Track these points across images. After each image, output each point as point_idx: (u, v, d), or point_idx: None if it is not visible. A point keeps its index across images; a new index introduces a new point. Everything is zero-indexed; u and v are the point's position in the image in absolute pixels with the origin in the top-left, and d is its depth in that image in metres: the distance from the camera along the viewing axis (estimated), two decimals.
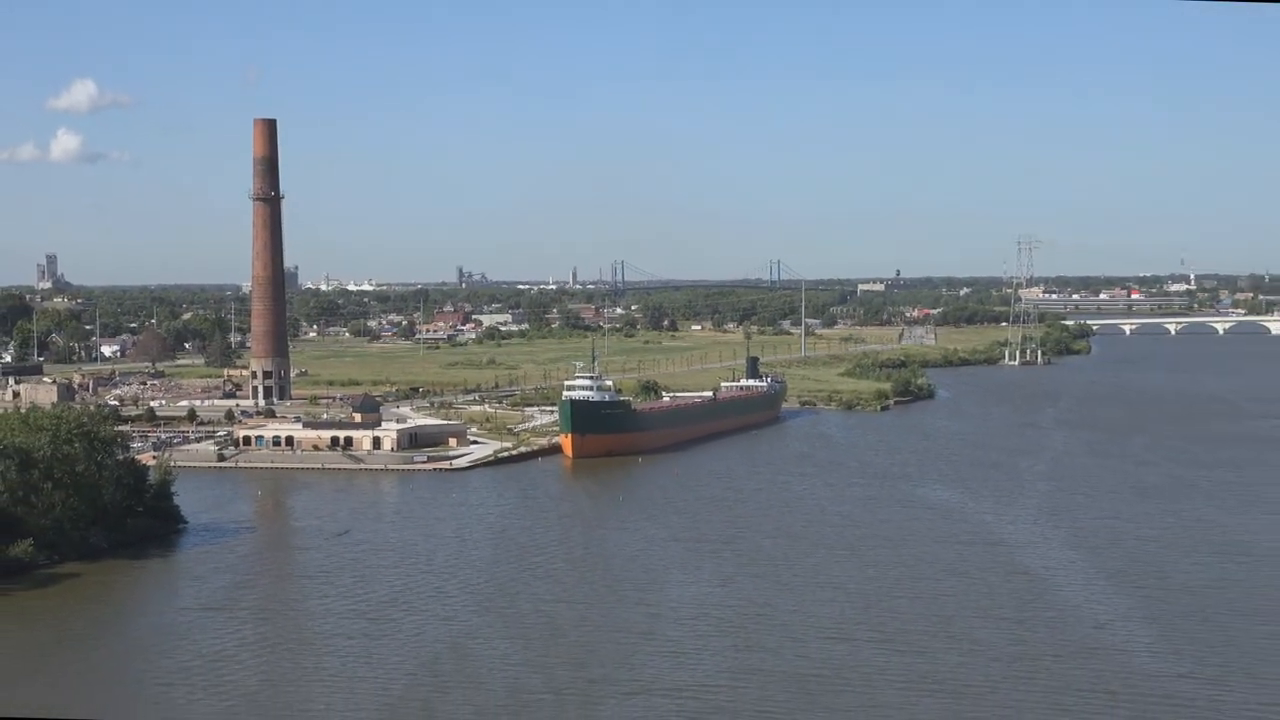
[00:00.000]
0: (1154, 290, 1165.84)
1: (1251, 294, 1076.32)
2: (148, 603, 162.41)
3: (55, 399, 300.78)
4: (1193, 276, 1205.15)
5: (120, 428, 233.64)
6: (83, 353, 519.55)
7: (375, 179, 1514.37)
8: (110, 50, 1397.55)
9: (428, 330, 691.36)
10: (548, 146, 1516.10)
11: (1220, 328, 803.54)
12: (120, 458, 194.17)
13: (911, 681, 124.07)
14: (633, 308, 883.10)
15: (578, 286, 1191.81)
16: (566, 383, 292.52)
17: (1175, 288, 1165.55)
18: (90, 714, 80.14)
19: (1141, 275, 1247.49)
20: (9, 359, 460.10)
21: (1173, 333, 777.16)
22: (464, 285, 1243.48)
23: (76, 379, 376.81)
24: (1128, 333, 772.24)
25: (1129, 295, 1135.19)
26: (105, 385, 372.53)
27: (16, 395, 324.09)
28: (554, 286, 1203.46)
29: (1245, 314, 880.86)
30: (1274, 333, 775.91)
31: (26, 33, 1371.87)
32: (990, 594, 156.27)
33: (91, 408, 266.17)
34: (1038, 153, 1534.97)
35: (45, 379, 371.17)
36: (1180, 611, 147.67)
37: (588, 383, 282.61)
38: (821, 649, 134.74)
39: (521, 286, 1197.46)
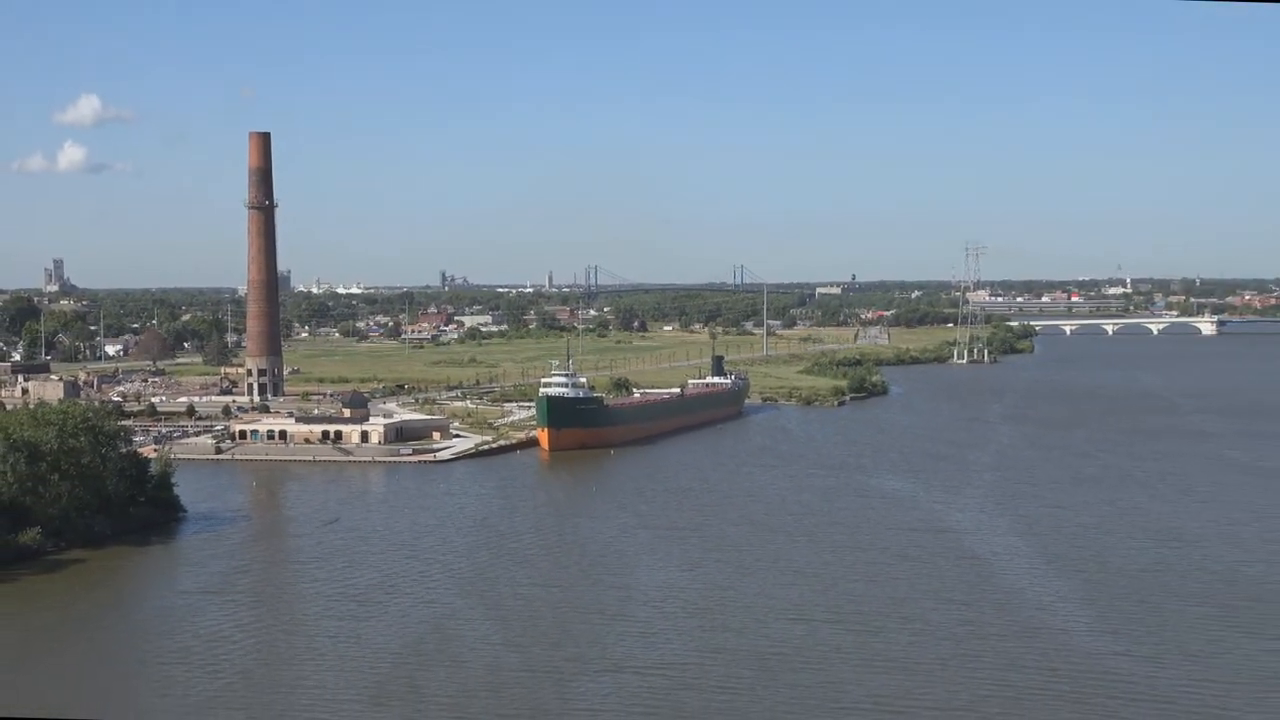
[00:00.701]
0: (1092, 293, 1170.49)
1: (1183, 297, 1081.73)
2: (149, 587, 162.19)
3: (62, 395, 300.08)
4: (1129, 280, 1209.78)
5: (123, 422, 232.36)
6: (88, 352, 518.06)
7: (363, 188, 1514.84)
8: (114, 67, 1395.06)
9: (413, 331, 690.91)
10: (525, 159, 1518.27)
11: (1154, 328, 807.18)
12: (123, 450, 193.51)
13: (866, 659, 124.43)
14: (605, 309, 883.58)
15: (553, 290, 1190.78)
16: (543, 380, 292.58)
17: (1112, 291, 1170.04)
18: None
19: (1081, 279, 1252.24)
20: (18, 358, 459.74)
21: (1110, 333, 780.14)
22: (447, 288, 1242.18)
23: (82, 376, 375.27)
24: (1068, 333, 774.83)
25: (1069, 298, 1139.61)
26: (109, 382, 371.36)
27: (25, 392, 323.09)
28: (531, 289, 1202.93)
29: (1177, 315, 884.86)
30: (1204, 333, 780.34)
31: (34, 50, 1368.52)
32: (940, 577, 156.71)
33: (96, 403, 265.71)
34: (984, 165, 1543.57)
35: (52, 376, 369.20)
36: (1118, 593, 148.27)
37: (563, 380, 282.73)
38: (782, 629, 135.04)
39: (501, 289, 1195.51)
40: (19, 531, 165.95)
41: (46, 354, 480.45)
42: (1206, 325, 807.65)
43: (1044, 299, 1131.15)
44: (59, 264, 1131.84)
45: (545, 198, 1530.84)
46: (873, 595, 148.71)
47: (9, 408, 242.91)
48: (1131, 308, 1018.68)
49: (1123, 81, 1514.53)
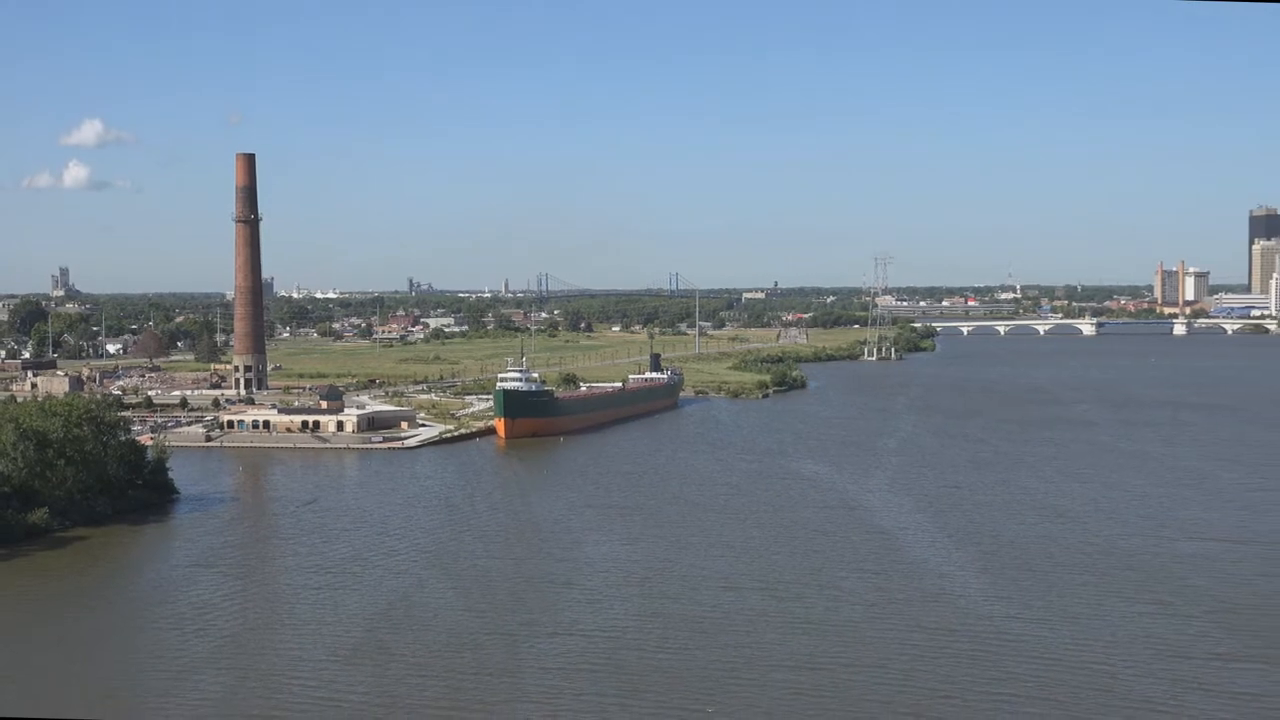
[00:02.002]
0: (987, 298, 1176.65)
1: (1066, 301, 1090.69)
2: (146, 561, 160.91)
3: (67, 389, 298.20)
4: (1018, 287, 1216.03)
5: (122, 414, 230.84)
6: (90, 350, 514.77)
7: (339, 203, 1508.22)
8: (115, 94, 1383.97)
9: (383, 331, 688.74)
10: (483, 176, 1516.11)
11: (1041, 329, 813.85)
12: (122, 439, 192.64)
13: (788, 623, 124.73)
14: (555, 312, 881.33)
15: (509, 294, 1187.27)
16: (500, 375, 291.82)
17: (1004, 296, 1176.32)
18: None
19: (976, 286, 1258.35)
20: (28, 355, 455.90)
21: (1002, 333, 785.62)
22: (413, 293, 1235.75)
23: (85, 372, 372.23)
24: (965, 333, 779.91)
25: (966, 302, 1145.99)
26: (109, 378, 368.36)
27: (34, 386, 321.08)
28: (489, 294, 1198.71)
29: (1061, 318, 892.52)
30: (1085, 333, 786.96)
31: (42, 77, 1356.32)
32: (853, 550, 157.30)
33: (98, 397, 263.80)
34: (892, 184, 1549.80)
35: (58, 372, 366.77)
36: (1009, 563, 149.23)
37: (517, 375, 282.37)
38: (713, 596, 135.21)
39: (462, 294, 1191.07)
40: (29, 511, 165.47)
41: (53, 352, 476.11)
42: (1087, 326, 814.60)
43: (944, 303, 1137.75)
44: (64, 271, 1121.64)
45: (502, 212, 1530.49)
46: (793, 566, 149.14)
47: (19, 400, 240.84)
48: (1021, 311, 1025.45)
49: (1014, 108, 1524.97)
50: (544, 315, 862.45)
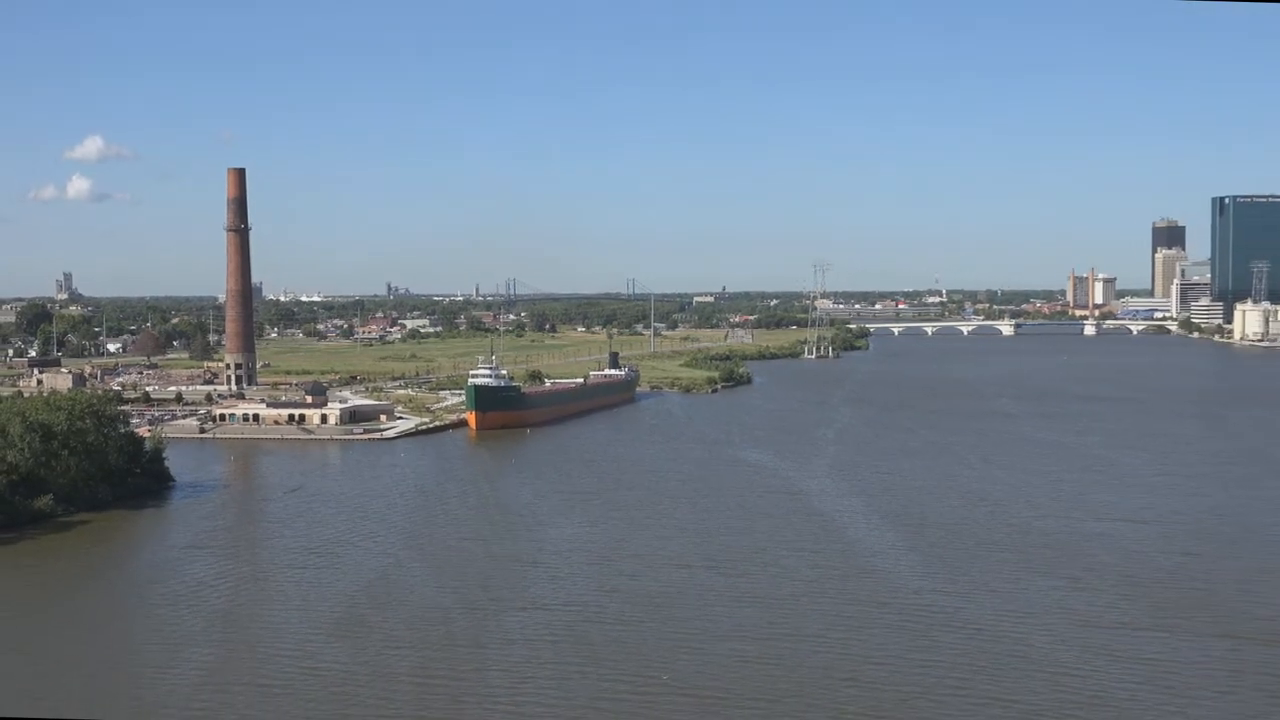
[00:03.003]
0: (915, 301, 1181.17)
1: (988, 304, 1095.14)
2: (144, 543, 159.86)
3: (70, 385, 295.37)
4: (944, 291, 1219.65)
5: (122, 408, 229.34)
6: (92, 349, 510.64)
7: (323, 213, 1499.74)
8: (115, 113, 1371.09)
9: (363, 332, 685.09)
10: (456, 190, 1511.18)
11: (965, 329, 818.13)
12: (122, 431, 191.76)
13: (735, 597, 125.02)
14: (522, 314, 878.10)
15: (480, 298, 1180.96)
16: (471, 372, 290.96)
17: (931, 299, 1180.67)
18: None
19: (906, 290, 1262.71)
20: (34, 354, 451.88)
21: (929, 333, 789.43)
22: (392, 297, 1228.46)
23: (87, 370, 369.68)
24: (896, 333, 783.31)
25: (897, 305, 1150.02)
26: (110, 375, 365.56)
27: (40, 382, 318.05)
28: (461, 298, 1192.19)
29: (983, 319, 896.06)
30: (1004, 333, 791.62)
31: (47, 96, 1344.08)
32: (793, 530, 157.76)
33: (99, 392, 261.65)
34: (829, 197, 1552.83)
35: (62, 370, 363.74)
36: (936, 542, 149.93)
37: (487, 372, 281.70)
38: (667, 573, 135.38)
39: (436, 298, 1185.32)
40: (35, 498, 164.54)
41: (57, 351, 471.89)
42: (1006, 327, 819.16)
43: (877, 306, 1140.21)
44: (68, 276, 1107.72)
45: (473, 223, 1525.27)
46: (739, 545, 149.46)
47: (26, 396, 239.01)
48: (946, 313, 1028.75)
49: (943, 131, 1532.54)
50: (512, 317, 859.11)
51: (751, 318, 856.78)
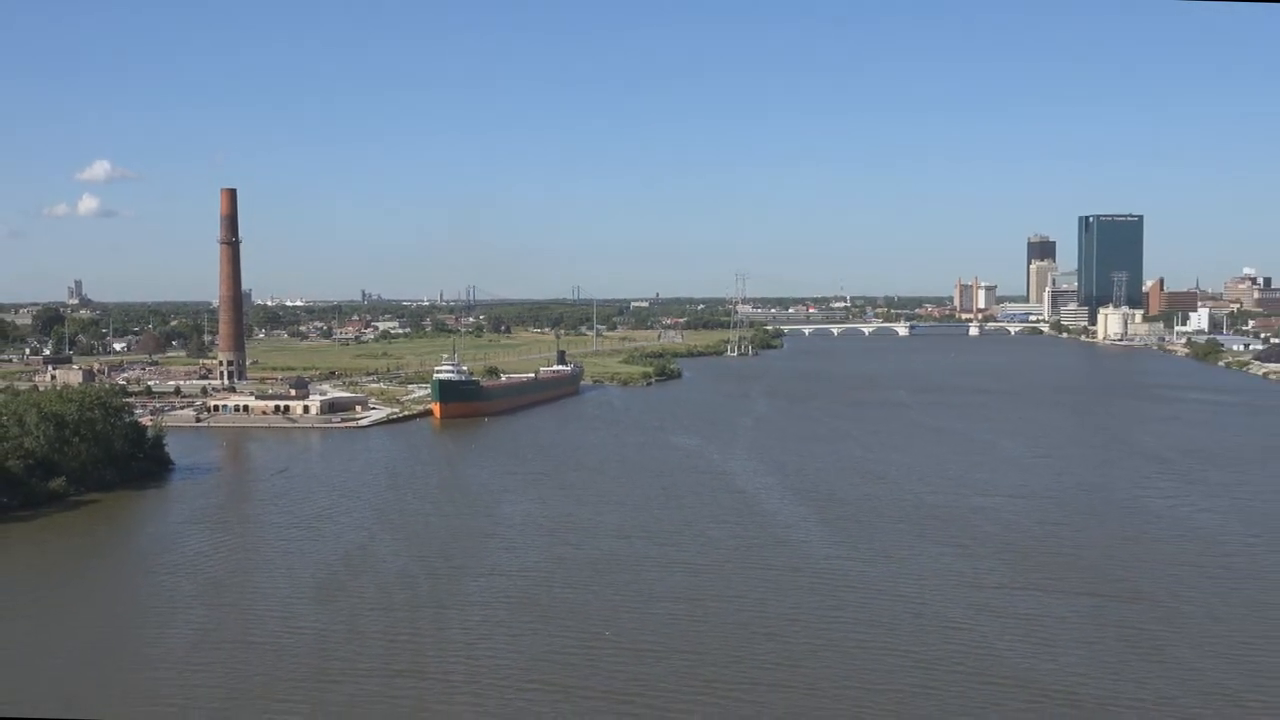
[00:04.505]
0: (823, 306, 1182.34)
1: (886, 308, 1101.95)
2: (147, 519, 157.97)
3: (80, 380, 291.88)
4: (849, 297, 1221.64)
5: (127, 400, 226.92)
6: (100, 348, 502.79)
7: (305, 227, 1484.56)
8: (120, 140, 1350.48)
9: (341, 333, 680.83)
10: (423, 206, 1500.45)
11: (866, 330, 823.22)
12: (126, 420, 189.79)
13: (666, 564, 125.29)
14: (481, 317, 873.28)
15: (443, 303, 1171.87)
16: (436, 368, 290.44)
17: (837, 304, 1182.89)
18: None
19: (815, 296, 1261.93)
20: (48, 353, 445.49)
21: (836, 334, 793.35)
22: (366, 302, 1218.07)
23: (96, 366, 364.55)
24: (807, 334, 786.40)
25: (808, 309, 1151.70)
26: (116, 371, 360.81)
27: (53, 378, 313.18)
28: (427, 303, 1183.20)
29: (882, 322, 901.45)
30: (900, 334, 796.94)
31: (60, 125, 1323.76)
32: (718, 505, 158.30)
33: (106, 386, 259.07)
34: (749, 213, 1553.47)
35: (74, 367, 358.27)
36: (841, 515, 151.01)
37: (450, 368, 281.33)
38: (607, 544, 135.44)
39: (405, 303, 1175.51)
40: (50, 480, 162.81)
41: (69, 350, 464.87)
42: (902, 329, 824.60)
43: (790, 310, 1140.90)
44: (79, 283, 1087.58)
45: (437, 236, 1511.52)
46: (671, 518, 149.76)
47: (41, 389, 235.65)
48: (850, 316, 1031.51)
49: (845, 157, 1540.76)
50: (471, 320, 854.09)
51: (681, 320, 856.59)
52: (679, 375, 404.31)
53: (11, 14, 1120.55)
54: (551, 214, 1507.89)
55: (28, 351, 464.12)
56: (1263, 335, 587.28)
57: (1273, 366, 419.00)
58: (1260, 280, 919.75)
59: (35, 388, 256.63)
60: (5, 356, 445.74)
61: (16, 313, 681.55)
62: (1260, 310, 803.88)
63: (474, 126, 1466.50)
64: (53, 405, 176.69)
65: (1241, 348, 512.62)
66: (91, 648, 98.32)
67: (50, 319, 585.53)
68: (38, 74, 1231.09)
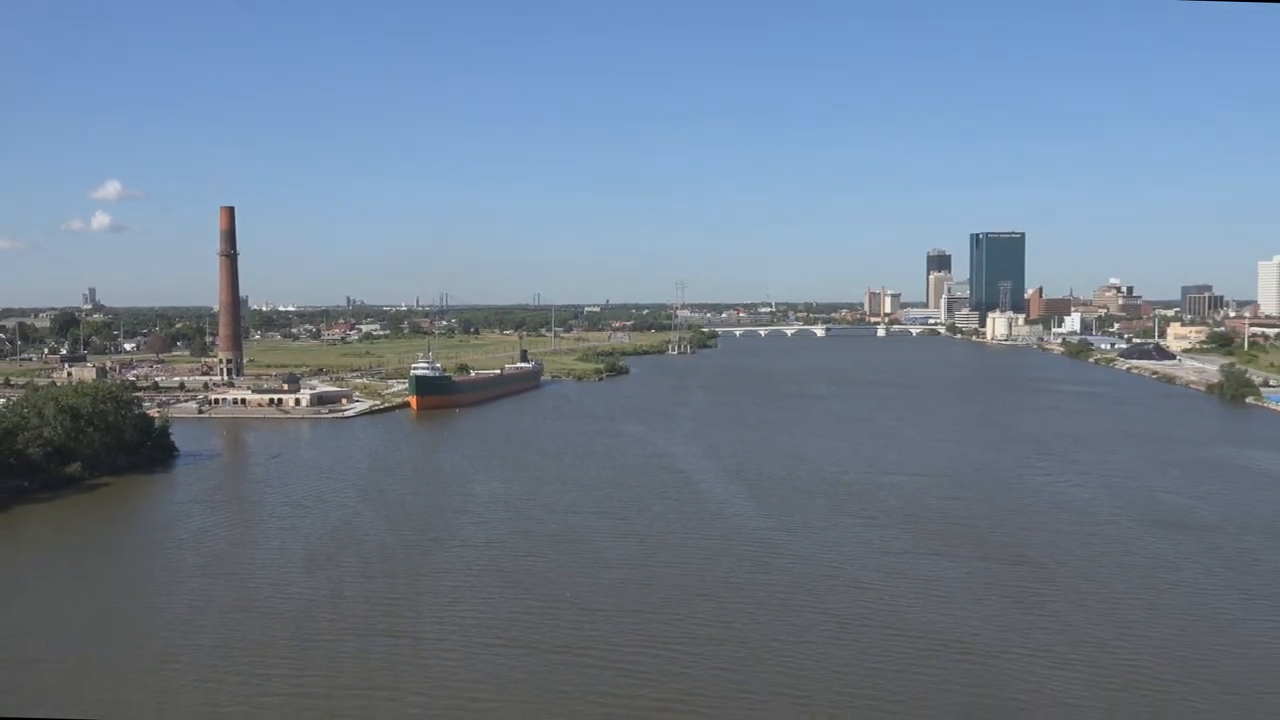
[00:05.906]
0: (752, 310, 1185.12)
1: (806, 313, 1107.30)
2: (155, 500, 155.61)
3: (94, 377, 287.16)
4: (774, 303, 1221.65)
5: (136, 394, 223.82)
6: (112, 348, 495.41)
7: (295, 238, 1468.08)
8: (130, 161, 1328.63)
9: (329, 334, 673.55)
10: (402, 219, 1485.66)
11: (789, 332, 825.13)
12: (136, 412, 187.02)
13: (617, 535, 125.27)
14: (452, 321, 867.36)
15: (420, 308, 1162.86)
16: (413, 365, 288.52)
17: (764, 309, 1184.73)
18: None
19: (745, 301, 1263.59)
20: (64, 352, 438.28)
21: (763, 335, 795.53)
22: (350, 306, 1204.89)
23: (108, 364, 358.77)
24: (738, 335, 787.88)
25: (738, 314, 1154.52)
26: (126, 368, 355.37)
27: (69, 375, 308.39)
28: (405, 307, 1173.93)
29: (803, 324, 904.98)
30: (818, 335, 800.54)
31: (74, 149, 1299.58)
32: (660, 484, 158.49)
33: (117, 382, 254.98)
34: (688, 228, 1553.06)
35: (88, 365, 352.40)
36: (769, 492, 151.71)
37: (425, 365, 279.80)
38: (565, 519, 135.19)
39: (386, 307, 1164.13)
40: (67, 465, 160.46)
41: (84, 350, 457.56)
42: (820, 330, 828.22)
43: (724, 314, 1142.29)
44: (92, 290, 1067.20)
45: (414, 247, 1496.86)
46: (620, 496, 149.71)
47: (58, 385, 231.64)
48: (775, 320, 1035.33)
49: (770, 178, 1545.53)
50: (444, 323, 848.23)
51: (629, 323, 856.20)
52: (627, 371, 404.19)
53: (32, 53, 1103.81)
54: (515, 228, 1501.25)
55: (46, 351, 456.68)
56: (1126, 336, 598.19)
57: (1134, 363, 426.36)
58: (1124, 289, 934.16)
59: (53, 383, 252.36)
60: (26, 356, 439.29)
61: (36, 317, 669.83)
62: (1124, 314, 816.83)
63: (445, 157, 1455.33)
64: (69, 399, 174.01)
65: (1108, 347, 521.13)
66: (105, 614, 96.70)
67: (67, 322, 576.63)
68: (56, 104, 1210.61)
